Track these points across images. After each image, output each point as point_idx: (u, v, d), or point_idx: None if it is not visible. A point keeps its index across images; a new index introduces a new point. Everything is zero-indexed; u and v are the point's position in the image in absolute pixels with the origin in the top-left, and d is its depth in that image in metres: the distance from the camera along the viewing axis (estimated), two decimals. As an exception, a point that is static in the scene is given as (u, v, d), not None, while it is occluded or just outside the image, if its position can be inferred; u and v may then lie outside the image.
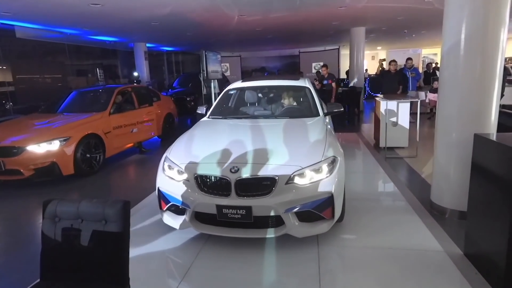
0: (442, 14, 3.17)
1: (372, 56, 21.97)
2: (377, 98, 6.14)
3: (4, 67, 8.72)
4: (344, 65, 16.76)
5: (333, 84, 8.60)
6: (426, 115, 9.05)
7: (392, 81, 7.88)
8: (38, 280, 1.67)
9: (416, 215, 3.31)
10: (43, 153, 4.66)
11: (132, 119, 6.39)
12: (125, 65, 14.32)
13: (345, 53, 16.67)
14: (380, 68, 9.10)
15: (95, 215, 1.61)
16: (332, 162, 2.73)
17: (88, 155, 5.20)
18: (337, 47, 16.43)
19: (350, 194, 3.50)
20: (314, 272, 2.42)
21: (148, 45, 12.68)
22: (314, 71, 16.66)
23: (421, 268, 2.44)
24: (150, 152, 6.71)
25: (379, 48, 20.49)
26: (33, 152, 4.60)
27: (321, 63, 17.05)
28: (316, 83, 8.98)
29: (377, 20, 9.69)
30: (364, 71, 12.24)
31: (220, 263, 2.62)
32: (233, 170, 2.59)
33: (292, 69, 18.33)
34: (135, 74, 12.30)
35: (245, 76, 13.62)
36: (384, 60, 9.92)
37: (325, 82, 8.71)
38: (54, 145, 4.74)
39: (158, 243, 2.97)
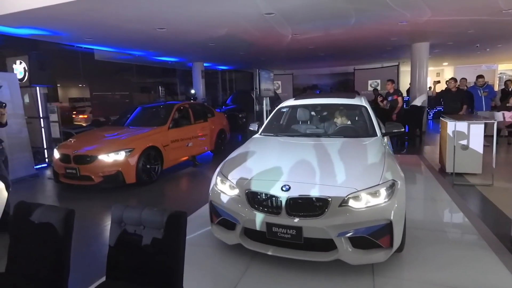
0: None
1: (437, 73, 20.43)
2: (443, 118, 5.69)
3: (84, 85, 9.96)
4: (404, 82, 15.88)
5: (399, 99, 8.08)
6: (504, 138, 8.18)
7: (453, 100, 7.28)
8: (104, 277, 1.78)
9: (492, 251, 2.89)
10: (111, 162, 5.11)
11: (188, 133, 6.71)
12: (182, 82, 15.33)
13: (405, 69, 15.54)
14: (436, 87, 8.52)
15: (155, 223, 1.69)
16: (391, 186, 2.55)
17: (148, 166, 5.56)
18: (396, 63, 15.54)
19: (411, 223, 3.22)
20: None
21: (205, 64, 13.46)
22: (370, 89, 16.04)
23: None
24: (203, 166, 6.94)
25: (445, 64, 18.78)
26: (103, 161, 5.08)
27: (378, 81, 16.50)
28: (380, 99, 8.56)
29: (443, 35, 8.99)
30: (428, 89, 11.44)
31: (268, 283, 2.56)
32: (284, 189, 2.55)
33: (345, 87, 17.83)
34: (192, 91, 13.07)
35: (297, 94, 13.63)
36: (438, 82, 9.20)
37: (390, 98, 8.16)
38: (120, 156, 5.18)
39: (207, 255, 3.01)
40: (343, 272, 2.59)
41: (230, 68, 17.48)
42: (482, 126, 5.17)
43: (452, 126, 5.15)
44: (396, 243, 2.49)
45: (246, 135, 9.70)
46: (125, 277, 1.72)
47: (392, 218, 2.42)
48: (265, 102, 9.49)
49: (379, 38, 9.15)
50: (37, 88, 7.22)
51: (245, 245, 2.72)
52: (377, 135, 3.62)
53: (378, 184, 2.53)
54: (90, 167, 5.07)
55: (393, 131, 3.75)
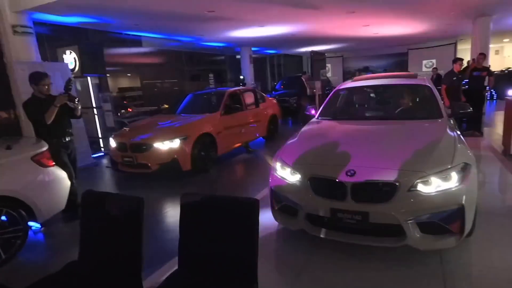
0: None
1: (496, 51, 18.41)
2: (508, 98, 5.55)
3: (134, 75, 9.96)
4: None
5: (492, 79, 6.90)
6: None
7: None
8: (177, 267, 1.74)
9: None
10: (167, 150, 4.92)
11: (240, 120, 6.45)
12: (231, 68, 15.06)
13: (463, 48, 14.81)
14: None
15: (227, 211, 1.65)
16: (463, 170, 2.44)
17: (202, 153, 5.32)
18: (454, 41, 14.65)
19: (477, 206, 2.90)
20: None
21: (253, 48, 13.04)
22: (424, 69, 15.18)
23: None
24: (256, 152, 6.75)
25: (505, 40, 17.12)
26: (158, 149, 4.90)
27: (433, 61, 15.26)
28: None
29: (509, 6, 7.96)
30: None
31: (333, 268, 2.50)
32: (349, 174, 2.46)
33: (398, 68, 16.77)
34: (241, 77, 12.76)
35: (348, 77, 12.93)
36: None
37: (476, 73, 6.89)
38: (175, 143, 4.96)
39: (269, 240, 2.98)
40: (410, 257, 2.50)
41: (279, 52, 16.92)
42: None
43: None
44: (467, 228, 2.40)
45: (298, 120, 9.45)
46: (197, 266, 1.69)
47: (464, 202, 2.32)
48: (317, 86, 9.14)
49: (438, 12, 8.29)
50: (88, 78, 7.23)
51: (308, 230, 2.69)
52: (443, 116, 3.43)
53: (450, 168, 2.41)
54: (146, 155, 4.92)
55: (460, 112, 3.57)
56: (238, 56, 13.14)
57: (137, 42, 9.22)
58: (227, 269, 1.61)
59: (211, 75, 12.15)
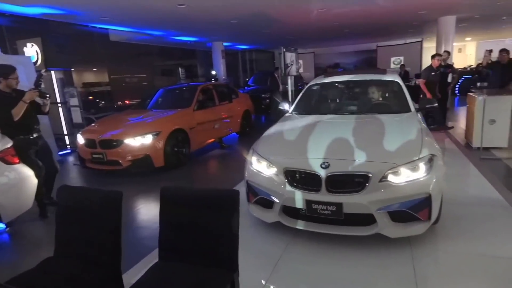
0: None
1: (458, 49, 19.56)
2: (470, 93, 5.77)
3: (101, 69, 9.56)
4: (427, 59, 15.30)
5: (456, 76, 7.26)
6: None
7: (503, 74, 6.61)
8: (157, 260, 1.73)
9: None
10: (138, 146, 4.84)
11: (213, 115, 6.43)
12: (202, 64, 14.80)
13: (428, 46, 15.35)
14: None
15: (208, 203, 1.65)
16: (430, 161, 2.57)
17: (175, 149, 5.28)
18: (420, 39, 15.09)
19: (443, 196, 3.11)
20: (409, 275, 2.28)
21: (224, 44, 12.92)
22: (393, 66, 15.70)
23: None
24: (230, 148, 6.77)
25: (468, 39, 18.19)
26: (129, 145, 4.81)
27: (401, 58, 15.94)
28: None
29: (472, 6, 8.44)
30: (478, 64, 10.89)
31: (309, 258, 2.58)
32: (323, 166, 2.54)
33: (368, 64, 17.29)
34: (213, 72, 12.63)
35: (319, 73, 13.20)
36: (491, 51, 8.47)
37: (442, 70, 7.21)
38: (147, 139, 4.90)
39: (245, 234, 3.01)
40: (381, 245, 2.60)
41: (251, 47, 16.87)
42: (510, 100, 5.04)
43: (481, 101, 5.13)
44: (434, 215, 2.52)
45: (270, 116, 9.53)
46: (178, 259, 1.68)
47: (431, 191, 2.44)
48: (290, 82, 9.22)
49: (407, 11, 8.63)
50: (52, 72, 6.88)
51: (284, 222, 2.75)
52: (411, 111, 3.59)
53: (418, 159, 2.53)
54: (117, 152, 4.82)
55: (427, 106, 3.80)
56: (209, 51, 12.98)
57: (104, 35, 8.83)
58: (208, 259, 1.61)
59: (182, 70, 11.91)
